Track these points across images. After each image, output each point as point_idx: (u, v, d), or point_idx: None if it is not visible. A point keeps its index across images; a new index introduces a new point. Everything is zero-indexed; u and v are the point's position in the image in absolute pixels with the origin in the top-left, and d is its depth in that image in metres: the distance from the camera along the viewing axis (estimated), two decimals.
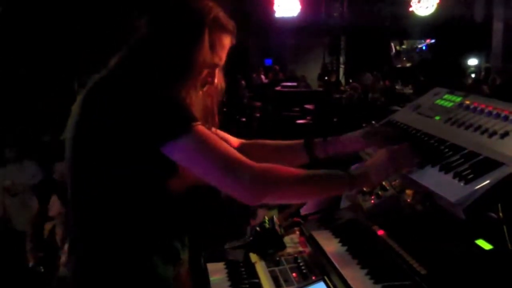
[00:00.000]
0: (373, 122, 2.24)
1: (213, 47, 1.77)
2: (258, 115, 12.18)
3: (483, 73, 13.90)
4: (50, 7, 9.20)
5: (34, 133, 6.83)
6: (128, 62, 1.75)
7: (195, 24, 1.73)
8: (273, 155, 2.14)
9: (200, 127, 1.63)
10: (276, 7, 16.88)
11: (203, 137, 1.62)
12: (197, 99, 1.79)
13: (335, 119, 9.54)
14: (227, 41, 1.84)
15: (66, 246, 3.99)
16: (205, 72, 1.80)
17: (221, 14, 1.80)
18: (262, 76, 17.37)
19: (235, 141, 2.15)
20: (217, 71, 1.86)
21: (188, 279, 1.95)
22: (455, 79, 12.91)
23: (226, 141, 1.91)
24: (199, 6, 1.77)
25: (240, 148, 2.07)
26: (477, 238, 1.76)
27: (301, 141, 2.13)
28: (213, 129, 1.93)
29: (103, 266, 1.72)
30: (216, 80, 1.86)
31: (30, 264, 4.95)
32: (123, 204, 1.69)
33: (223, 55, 1.84)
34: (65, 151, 1.77)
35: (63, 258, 4.00)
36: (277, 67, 17.32)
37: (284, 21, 16.92)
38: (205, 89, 1.86)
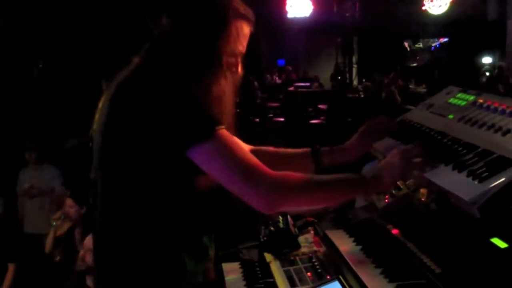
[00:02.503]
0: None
1: (237, 37, 1.80)
2: (271, 115, 12.18)
3: (496, 71, 13.78)
4: (70, 7, 9.23)
5: (54, 137, 6.90)
6: (152, 59, 1.76)
7: (219, 17, 1.76)
8: (280, 162, 2.15)
9: (223, 132, 1.64)
10: (288, 8, 16.87)
11: (224, 142, 1.63)
12: (220, 93, 1.79)
13: (349, 119, 9.50)
14: (247, 30, 1.86)
15: (85, 242, 4.03)
16: (231, 62, 1.82)
17: (240, 3, 1.83)
18: (275, 77, 17.37)
19: (244, 147, 2.16)
20: (240, 60, 1.87)
21: (214, 275, 1.97)
22: (470, 77, 12.83)
23: None
24: None
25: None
26: (492, 236, 1.76)
27: (308, 149, 2.16)
28: None
29: (133, 264, 1.73)
30: (240, 69, 1.88)
31: (56, 259, 4.98)
32: (151, 202, 1.70)
33: (245, 44, 1.87)
34: (91, 152, 1.79)
35: (82, 253, 4.03)
36: (290, 68, 17.30)
37: (297, 22, 16.91)
38: (230, 84, 1.86)
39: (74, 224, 5.07)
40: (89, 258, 3.79)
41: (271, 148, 2.24)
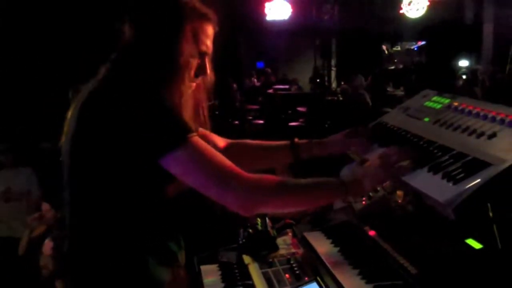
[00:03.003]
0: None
1: (196, 36, 1.79)
2: (250, 118, 12.18)
3: (472, 75, 13.97)
4: (39, 13, 9.17)
5: (30, 139, 6.82)
6: (118, 68, 1.76)
7: (173, 18, 1.75)
8: (259, 154, 2.18)
9: (195, 139, 1.64)
10: (267, 10, 16.87)
11: (198, 149, 1.63)
12: (190, 96, 1.82)
13: (328, 121, 9.56)
14: (209, 29, 1.85)
15: (43, 249, 3.99)
16: (195, 63, 1.81)
17: (198, 4, 1.82)
18: (254, 79, 17.37)
19: (222, 141, 2.17)
20: (207, 61, 1.86)
21: (185, 281, 1.96)
22: (447, 80, 12.96)
23: (213, 142, 1.93)
24: (175, 0, 1.79)
25: (226, 148, 2.10)
26: (467, 237, 1.79)
27: (287, 142, 2.17)
28: (200, 129, 1.95)
29: (98, 267, 1.74)
30: (208, 70, 1.87)
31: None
32: (118, 206, 1.71)
33: (208, 43, 1.86)
34: (61, 158, 1.78)
35: (44, 262, 3.98)
36: (269, 70, 17.32)
37: (276, 24, 16.92)
38: (195, 85, 1.87)
39: (49, 229, 5.01)
40: (51, 264, 3.75)
41: (249, 141, 2.25)
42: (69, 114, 1.76)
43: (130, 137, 1.60)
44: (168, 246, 1.81)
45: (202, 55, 1.83)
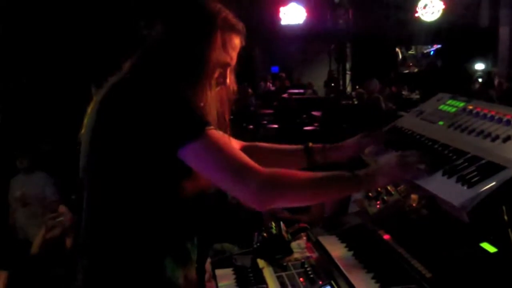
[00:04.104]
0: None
1: (224, 47, 1.82)
2: (264, 122, 12.18)
3: (487, 78, 13.90)
4: (62, 12, 9.21)
5: (44, 143, 6.87)
6: (143, 64, 1.79)
7: (206, 24, 1.78)
8: (273, 158, 2.19)
9: (212, 131, 1.66)
10: (282, 15, 16.93)
11: (214, 141, 1.65)
12: (212, 101, 1.84)
13: (343, 125, 9.53)
14: (237, 41, 1.88)
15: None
16: (218, 72, 1.84)
17: (230, 15, 1.86)
18: (269, 84, 17.40)
19: (236, 144, 2.18)
20: (228, 72, 1.89)
21: (196, 279, 1.97)
22: (462, 84, 12.88)
23: None
24: (209, 7, 1.82)
25: (240, 150, 2.11)
26: (482, 241, 1.78)
27: (301, 146, 2.18)
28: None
29: (114, 266, 1.75)
30: (228, 81, 1.90)
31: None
32: (137, 202, 1.72)
33: (234, 55, 1.89)
34: (80, 154, 1.80)
35: None
36: (283, 75, 17.34)
37: (290, 29, 16.96)
38: (217, 90, 1.89)
39: (65, 232, 5.04)
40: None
41: (264, 144, 2.27)
42: (90, 108, 1.79)
43: (149, 128, 1.62)
44: (184, 245, 1.83)
45: (225, 65, 1.86)
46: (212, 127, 1.67)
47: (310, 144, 2.20)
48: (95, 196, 1.77)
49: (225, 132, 1.95)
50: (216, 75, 1.84)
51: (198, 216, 1.87)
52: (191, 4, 1.84)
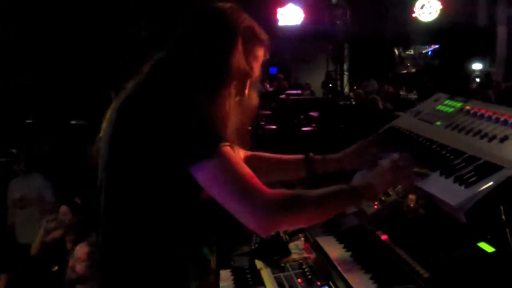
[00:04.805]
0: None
1: (246, 56, 1.80)
2: (263, 123, 12.18)
3: (485, 78, 13.92)
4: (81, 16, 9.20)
5: (44, 143, 6.88)
6: (163, 69, 1.75)
7: (229, 31, 1.76)
8: (273, 167, 2.19)
9: (226, 149, 1.60)
10: (279, 16, 16.92)
11: (226, 161, 1.59)
12: (232, 111, 1.78)
13: (341, 126, 9.54)
14: (260, 53, 1.87)
15: (75, 252, 3.99)
16: (239, 82, 1.80)
17: (256, 26, 1.84)
18: (267, 85, 17.39)
19: (242, 153, 2.16)
20: (248, 83, 1.86)
21: (215, 286, 1.97)
22: (460, 84, 12.90)
23: (237, 153, 1.91)
24: (233, 15, 1.79)
25: (244, 161, 2.09)
26: (480, 241, 1.78)
27: (301, 156, 2.17)
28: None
29: (134, 275, 1.71)
30: (246, 92, 1.86)
31: (54, 269, 4.93)
32: (156, 213, 1.68)
33: (256, 67, 1.86)
34: (98, 159, 1.77)
35: (72, 262, 3.97)
36: (281, 76, 17.33)
37: (288, 30, 16.94)
38: (238, 101, 1.84)
39: (66, 233, 5.04)
40: (79, 268, 3.76)
41: (265, 154, 2.25)
42: (109, 113, 1.76)
43: (163, 143, 1.59)
44: (203, 253, 1.81)
45: (246, 75, 1.83)
46: (226, 144, 1.61)
47: (311, 154, 2.19)
48: (112, 202, 1.73)
49: (243, 144, 1.93)
50: (236, 84, 1.79)
51: (215, 221, 1.85)
52: (213, 11, 1.80)
